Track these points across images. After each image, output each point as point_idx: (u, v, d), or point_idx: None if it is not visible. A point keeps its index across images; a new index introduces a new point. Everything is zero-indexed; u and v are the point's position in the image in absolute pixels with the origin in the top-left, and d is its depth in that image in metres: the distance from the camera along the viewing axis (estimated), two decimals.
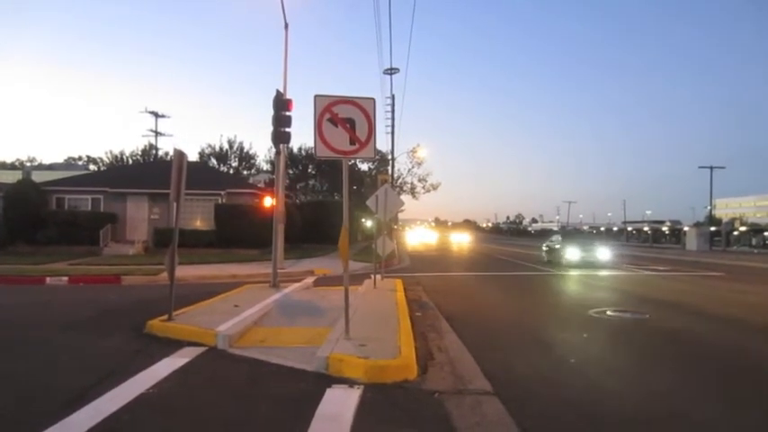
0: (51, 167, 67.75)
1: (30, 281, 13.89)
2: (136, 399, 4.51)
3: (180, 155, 7.79)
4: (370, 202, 13.02)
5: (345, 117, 6.40)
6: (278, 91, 12.07)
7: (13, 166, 79.56)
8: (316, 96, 6.38)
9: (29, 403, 4.46)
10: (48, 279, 13.90)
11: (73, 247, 23.02)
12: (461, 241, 58.79)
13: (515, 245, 52.44)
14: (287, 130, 11.91)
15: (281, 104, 11.82)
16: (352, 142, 6.43)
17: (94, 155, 71.21)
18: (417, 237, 73.24)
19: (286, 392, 4.79)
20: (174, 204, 7.81)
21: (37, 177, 33.01)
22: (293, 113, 12.02)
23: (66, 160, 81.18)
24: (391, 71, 31.24)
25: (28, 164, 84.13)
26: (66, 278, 14.03)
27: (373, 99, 6.55)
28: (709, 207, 66.96)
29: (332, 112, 6.38)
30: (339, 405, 4.40)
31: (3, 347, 6.63)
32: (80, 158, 79.67)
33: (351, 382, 5.01)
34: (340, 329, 6.49)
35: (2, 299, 11.22)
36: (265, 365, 5.70)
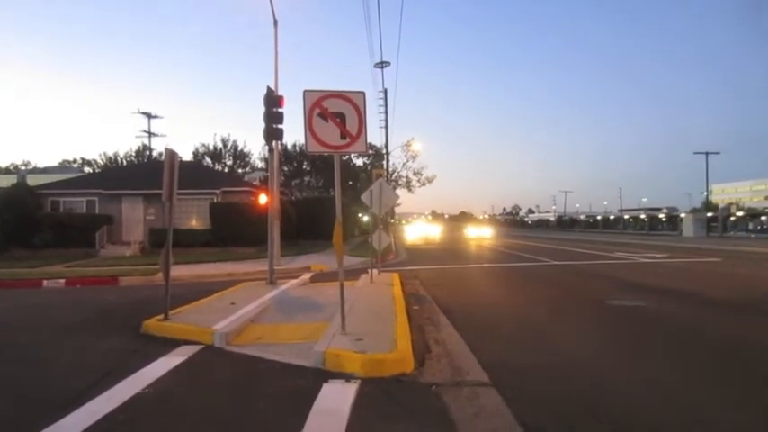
0: (46, 171, 67.63)
1: (26, 284, 13.82)
2: (131, 399, 4.50)
3: (171, 154, 7.74)
4: (364, 197, 12.99)
5: (335, 111, 6.36)
6: (269, 88, 12.01)
7: (7, 171, 79.37)
8: (305, 91, 6.34)
9: (25, 405, 4.44)
10: (45, 282, 13.83)
11: (69, 250, 22.90)
12: (481, 236, 46.78)
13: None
14: (279, 126, 11.86)
15: (273, 101, 11.76)
16: (343, 137, 6.39)
17: (89, 157, 70.86)
18: (417, 231, 62.87)
19: (283, 388, 4.78)
20: (168, 204, 7.78)
21: (32, 181, 32.98)
22: (287, 110, 11.98)
23: (60, 163, 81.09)
24: (382, 65, 31.19)
25: (22, 168, 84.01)
26: (62, 280, 13.97)
27: (363, 92, 6.50)
28: (705, 193, 67.16)
29: (321, 106, 6.33)
30: (336, 400, 4.39)
31: (0, 350, 6.60)
32: (75, 161, 79.54)
33: (348, 377, 5.01)
34: (337, 325, 6.48)
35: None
36: (262, 362, 5.69)
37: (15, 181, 34.26)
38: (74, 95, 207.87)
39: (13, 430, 3.87)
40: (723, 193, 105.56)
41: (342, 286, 6.54)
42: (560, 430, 3.84)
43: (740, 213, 56.82)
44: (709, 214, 53.31)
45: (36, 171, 70.44)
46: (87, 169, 62.18)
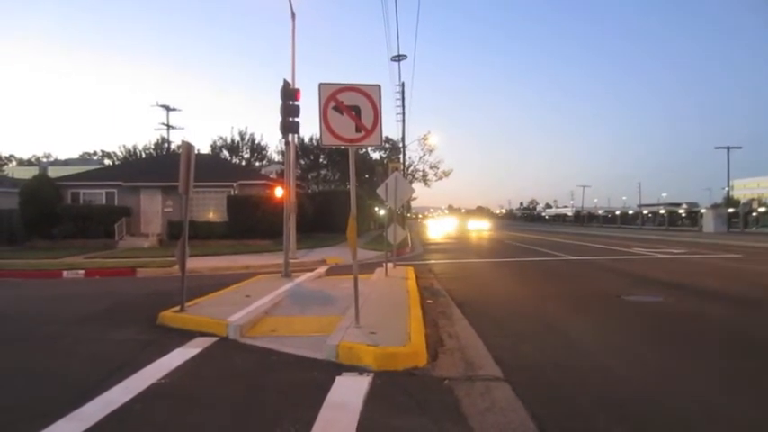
0: (67, 163, 68.77)
1: (47, 275, 14.10)
2: (148, 389, 4.56)
3: (188, 147, 7.80)
4: (380, 191, 13.00)
5: (351, 105, 6.35)
6: (285, 81, 12.03)
7: (29, 163, 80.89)
8: (320, 84, 6.34)
9: (44, 394, 4.54)
10: (65, 273, 14.10)
11: (88, 241, 23.34)
12: None
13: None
14: (295, 119, 11.88)
15: (289, 94, 11.78)
16: (357, 130, 6.38)
17: (109, 149, 71.75)
18: (446, 230, 50.08)
19: (296, 381, 4.81)
20: (184, 197, 7.85)
21: (53, 173, 33.55)
22: (304, 104, 12.01)
23: (81, 155, 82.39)
24: (399, 58, 30.95)
25: (44, 160, 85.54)
26: (82, 271, 14.22)
27: (378, 86, 6.48)
28: (726, 188, 65.93)
29: (337, 99, 6.33)
30: (348, 392, 4.41)
31: (20, 340, 6.74)
32: (95, 153, 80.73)
33: (360, 370, 5.02)
34: (350, 318, 6.50)
35: (20, 292, 11.40)
36: (276, 354, 5.73)
37: (37, 173, 34.85)
38: (94, 88, 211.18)
39: (33, 418, 3.93)
40: (745, 189, 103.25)
41: (356, 280, 6.54)
42: (573, 426, 3.82)
43: (762, 209, 55.54)
44: (731, 210, 52.28)
45: (57, 163, 71.64)
46: (107, 161, 62.90)
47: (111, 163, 57.36)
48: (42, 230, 23.96)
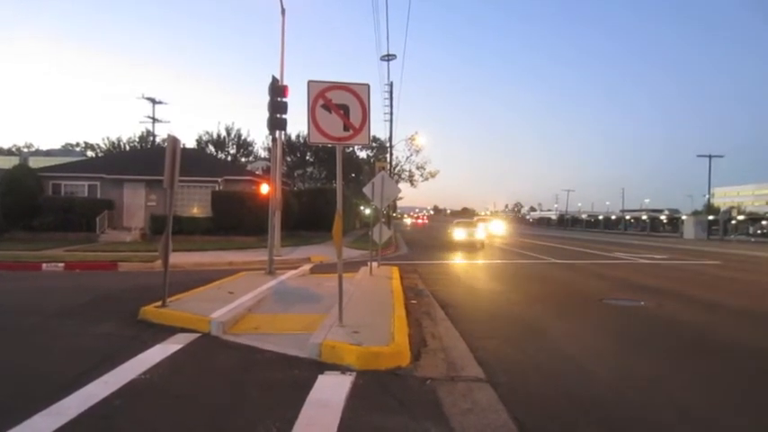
0: (49, 153, 67.66)
1: (26, 267, 13.86)
2: (128, 384, 4.52)
3: (173, 141, 7.73)
4: (366, 190, 13.00)
5: (339, 103, 6.34)
6: (274, 77, 11.98)
7: (10, 152, 79.45)
8: (309, 82, 6.32)
9: (22, 388, 4.46)
10: (44, 265, 13.85)
11: (69, 234, 23.00)
12: None
13: None
14: (283, 116, 11.82)
15: (277, 90, 11.72)
16: (346, 128, 6.38)
17: (92, 141, 70.76)
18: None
19: (278, 379, 4.79)
20: (168, 191, 7.77)
21: (34, 163, 32.98)
22: (292, 101, 11.98)
23: (63, 146, 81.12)
24: (388, 57, 30.89)
25: (25, 150, 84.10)
26: (62, 264, 13.98)
27: (367, 85, 6.48)
28: (707, 196, 66.94)
29: (326, 97, 6.31)
30: (331, 391, 4.40)
31: None
32: (78, 145, 79.49)
33: (343, 369, 5.02)
34: (334, 316, 6.49)
35: None
36: (258, 352, 5.71)
37: (17, 163, 34.23)
38: (79, 78, 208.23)
39: (10, 412, 3.87)
40: (725, 197, 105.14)
41: (340, 278, 6.54)
42: (553, 428, 3.85)
43: (741, 217, 56.55)
44: (711, 217, 53.12)
45: (39, 153, 70.46)
46: (90, 153, 61.92)
47: (94, 155, 56.47)
48: (22, 222, 23.48)
